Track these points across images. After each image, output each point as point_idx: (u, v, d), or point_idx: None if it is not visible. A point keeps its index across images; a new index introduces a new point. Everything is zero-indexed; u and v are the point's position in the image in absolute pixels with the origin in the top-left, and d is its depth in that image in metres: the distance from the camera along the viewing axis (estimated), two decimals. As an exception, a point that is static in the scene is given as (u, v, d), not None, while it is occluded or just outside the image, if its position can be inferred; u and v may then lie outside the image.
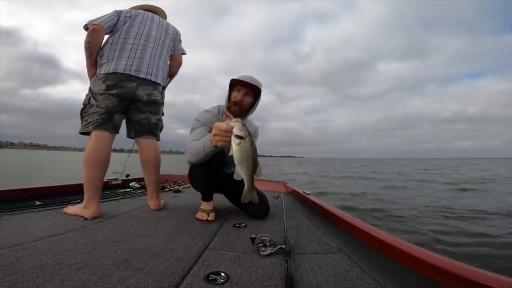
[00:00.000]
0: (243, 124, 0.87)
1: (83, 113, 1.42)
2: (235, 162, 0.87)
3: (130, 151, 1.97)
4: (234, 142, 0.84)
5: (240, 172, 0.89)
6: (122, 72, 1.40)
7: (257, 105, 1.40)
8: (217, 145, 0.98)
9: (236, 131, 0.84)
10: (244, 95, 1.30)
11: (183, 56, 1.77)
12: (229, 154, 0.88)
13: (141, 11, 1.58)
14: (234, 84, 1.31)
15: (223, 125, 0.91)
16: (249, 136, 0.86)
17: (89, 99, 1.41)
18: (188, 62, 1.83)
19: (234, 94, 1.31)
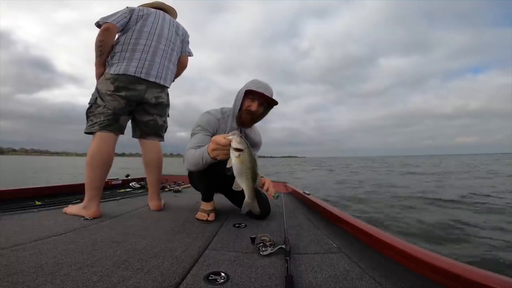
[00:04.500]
0: (241, 137, 0.87)
1: (88, 113, 1.40)
2: (235, 174, 0.87)
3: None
4: (233, 155, 0.84)
5: (240, 184, 0.88)
6: (133, 74, 1.38)
7: (266, 114, 1.37)
8: (216, 158, 0.98)
9: (234, 144, 0.84)
10: (258, 105, 1.27)
11: (189, 58, 1.74)
12: (228, 166, 0.87)
13: (153, 9, 1.54)
14: (250, 93, 1.25)
15: (221, 139, 0.90)
16: (248, 148, 0.85)
17: (96, 99, 1.39)
18: (188, 61, 1.77)
19: (247, 102, 1.26)
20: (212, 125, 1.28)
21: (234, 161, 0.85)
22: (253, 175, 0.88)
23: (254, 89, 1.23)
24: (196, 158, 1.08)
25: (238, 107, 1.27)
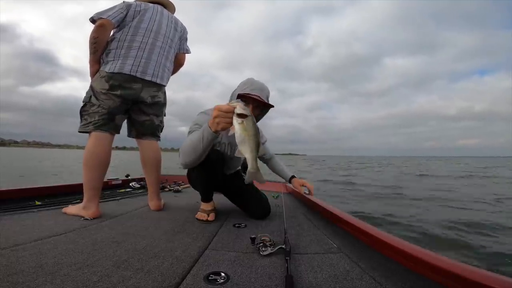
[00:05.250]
0: (245, 104, 0.86)
1: (82, 111, 1.38)
2: (237, 141, 0.85)
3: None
4: (236, 121, 0.83)
5: (243, 152, 0.86)
6: (128, 73, 1.35)
7: (264, 115, 1.36)
8: (217, 129, 0.93)
9: (238, 110, 0.83)
10: (253, 108, 1.24)
11: (186, 55, 1.71)
12: (229, 134, 0.86)
13: (150, 4, 1.51)
14: (243, 96, 1.23)
15: (224, 106, 0.88)
16: (251, 116, 0.84)
17: (90, 97, 1.36)
18: (187, 58, 1.77)
19: None
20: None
21: (237, 127, 0.83)
22: (256, 143, 0.85)
23: (248, 92, 1.20)
24: (195, 141, 1.02)
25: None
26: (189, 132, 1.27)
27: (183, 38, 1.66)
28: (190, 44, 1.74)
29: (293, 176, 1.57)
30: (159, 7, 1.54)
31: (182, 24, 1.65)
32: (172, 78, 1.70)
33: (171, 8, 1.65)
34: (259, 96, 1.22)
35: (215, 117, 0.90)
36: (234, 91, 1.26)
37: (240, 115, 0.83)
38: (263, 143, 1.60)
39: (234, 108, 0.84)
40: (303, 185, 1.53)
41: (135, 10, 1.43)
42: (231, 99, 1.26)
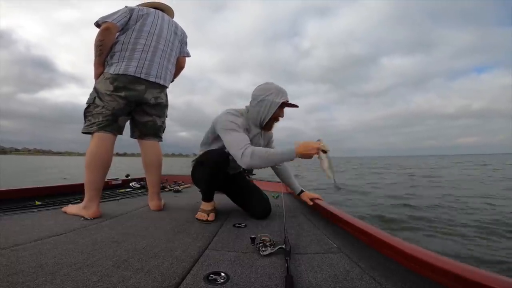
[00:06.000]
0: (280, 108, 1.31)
1: (86, 112, 1.39)
2: (325, 166, 1.19)
3: None
4: (323, 155, 1.19)
5: (328, 171, 1.20)
6: (133, 74, 1.37)
7: None
8: (303, 156, 1.20)
9: (326, 148, 1.19)
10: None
11: (186, 58, 1.74)
12: (320, 161, 1.19)
13: (152, 9, 1.54)
14: (285, 105, 1.36)
15: (318, 144, 1.18)
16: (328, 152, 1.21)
17: (94, 98, 1.38)
18: (187, 61, 1.79)
19: (277, 111, 1.34)
20: (243, 126, 1.31)
21: (324, 159, 1.19)
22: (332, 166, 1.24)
23: (285, 100, 1.32)
24: (283, 158, 1.23)
25: (270, 114, 1.32)
26: (228, 130, 1.25)
27: (183, 42, 1.69)
28: (188, 48, 1.76)
29: (302, 191, 1.61)
30: (160, 12, 1.58)
31: (181, 29, 1.68)
32: (172, 83, 1.72)
33: (170, 13, 1.68)
34: (288, 100, 1.37)
35: (316, 153, 1.18)
36: (267, 100, 1.30)
37: (324, 152, 1.19)
38: (271, 141, 1.62)
39: (323, 147, 1.19)
40: (312, 199, 1.56)
41: (138, 14, 1.46)
42: (266, 109, 1.32)
